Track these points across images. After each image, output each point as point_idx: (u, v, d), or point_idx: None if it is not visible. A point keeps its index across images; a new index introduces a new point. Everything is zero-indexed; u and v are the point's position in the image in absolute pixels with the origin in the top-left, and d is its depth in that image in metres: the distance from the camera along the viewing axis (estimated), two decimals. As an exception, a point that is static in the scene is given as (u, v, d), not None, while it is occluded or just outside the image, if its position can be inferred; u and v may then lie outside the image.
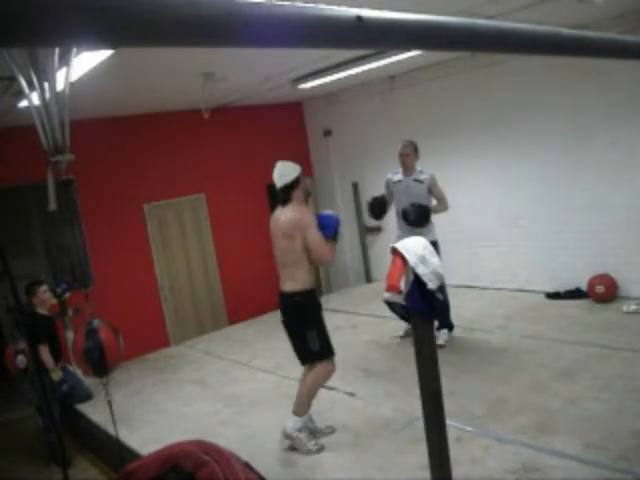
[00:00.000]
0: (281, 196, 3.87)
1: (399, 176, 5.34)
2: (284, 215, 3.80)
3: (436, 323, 5.37)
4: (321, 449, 3.81)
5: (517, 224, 6.66)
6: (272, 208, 8.38)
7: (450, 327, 5.46)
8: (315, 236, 3.69)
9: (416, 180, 5.22)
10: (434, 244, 5.09)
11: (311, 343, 3.75)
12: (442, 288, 5.29)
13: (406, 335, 5.52)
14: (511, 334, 5.42)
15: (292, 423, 3.84)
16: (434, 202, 5.31)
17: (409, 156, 5.24)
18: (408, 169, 5.28)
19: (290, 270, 3.75)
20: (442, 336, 5.27)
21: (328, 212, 3.96)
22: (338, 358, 3.90)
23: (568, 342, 4.98)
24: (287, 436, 3.84)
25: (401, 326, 5.55)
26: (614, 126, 5.67)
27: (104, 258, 6.70)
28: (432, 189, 5.22)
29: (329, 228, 3.77)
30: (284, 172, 3.84)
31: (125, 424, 4.55)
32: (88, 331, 3.54)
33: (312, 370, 3.84)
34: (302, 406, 3.85)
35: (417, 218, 5.10)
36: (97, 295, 5.61)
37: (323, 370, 3.83)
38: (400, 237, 5.18)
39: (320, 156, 8.78)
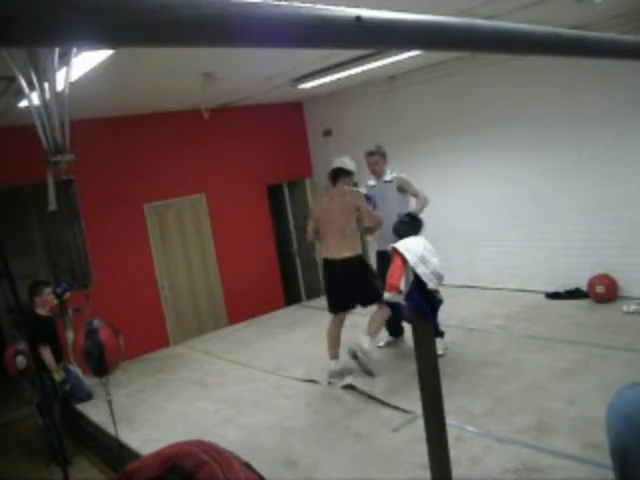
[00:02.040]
0: (332, 176, 4.94)
1: (373, 182, 5.47)
2: (348, 195, 4.82)
3: None
4: (378, 354, 5.02)
5: (517, 224, 6.66)
6: (272, 208, 8.49)
7: (441, 334, 5.16)
8: (369, 209, 4.86)
9: (385, 182, 5.34)
10: None
11: (378, 285, 4.61)
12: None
13: (387, 345, 5.61)
14: (511, 334, 5.42)
15: (368, 342, 4.80)
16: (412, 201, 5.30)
17: (378, 164, 5.36)
18: (379, 175, 5.40)
19: (348, 240, 4.78)
20: (438, 345, 4.98)
21: (368, 192, 5.08)
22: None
23: (568, 342, 4.98)
24: (365, 352, 4.74)
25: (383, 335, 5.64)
26: (614, 125, 5.66)
27: (104, 258, 6.68)
28: (405, 189, 5.25)
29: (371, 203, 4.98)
30: (346, 162, 4.98)
31: (125, 424, 4.54)
32: (88, 331, 3.54)
33: (380, 307, 4.86)
34: (376, 328, 4.90)
35: (411, 227, 4.81)
36: (97, 295, 5.60)
37: (385, 311, 4.87)
38: (379, 243, 5.26)
39: (320, 156, 8.77)
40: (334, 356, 4.99)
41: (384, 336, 5.62)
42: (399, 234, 4.90)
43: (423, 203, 5.17)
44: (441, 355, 4.89)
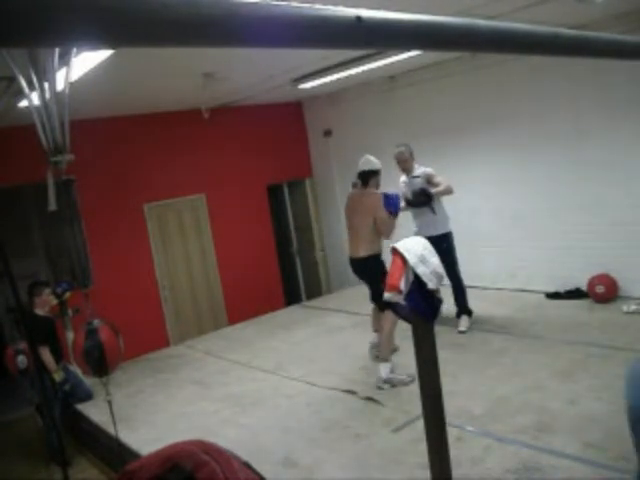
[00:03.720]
0: (361, 179, 5.00)
1: (404, 177, 5.79)
2: (370, 198, 4.87)
3: (456, 309, 5.76)
4: (414, 378, 4.21)
5: (517, 224, 6.66)
6: (272, 208, 8.49)
7: (469, 313, 5.77)
8: (384, 216, 4.78)
9: (414, 177, 5.66)
10: (447, 236, 5.52)
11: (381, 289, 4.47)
12: (456, 274, 5.63)
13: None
14: (511, 334, 5.42)
15: (385, 369, 4.65)
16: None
17: (407, 161, 5.67)
18: (408, 171, 5.71)
19: (364, 240, 4.85)
20: (463, 322, 5.63)
21: (391, 192, 4.92)
22: (339, 358, 3.87)
23: (568, 342, 4.98)
24: (385, 381, 4.61)
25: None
26: (614, 126, 5.66)
27: (104, 258, 6.70)
28: (431, 182, 5.53)
29: (393, 207, 4.82)
30: (370, 161, 4.99)
31: (125, 424, 4.54)
32: (88, 331, 3.54)
33: (384, 318, 4.75)
34: (387, 351, 4.74)
35: (415, 197, 5.50)
36: (97, 295, 5.61)
37: (392, 315, 4.56)
38: (417, 231, 5.49)
39: (320, 156, 8.78)
40: (374, 330, 5.30)
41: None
42: (409, 203, 5.55)
43: (446, 190, 5.45)
44: (462, 332, 5.51)
